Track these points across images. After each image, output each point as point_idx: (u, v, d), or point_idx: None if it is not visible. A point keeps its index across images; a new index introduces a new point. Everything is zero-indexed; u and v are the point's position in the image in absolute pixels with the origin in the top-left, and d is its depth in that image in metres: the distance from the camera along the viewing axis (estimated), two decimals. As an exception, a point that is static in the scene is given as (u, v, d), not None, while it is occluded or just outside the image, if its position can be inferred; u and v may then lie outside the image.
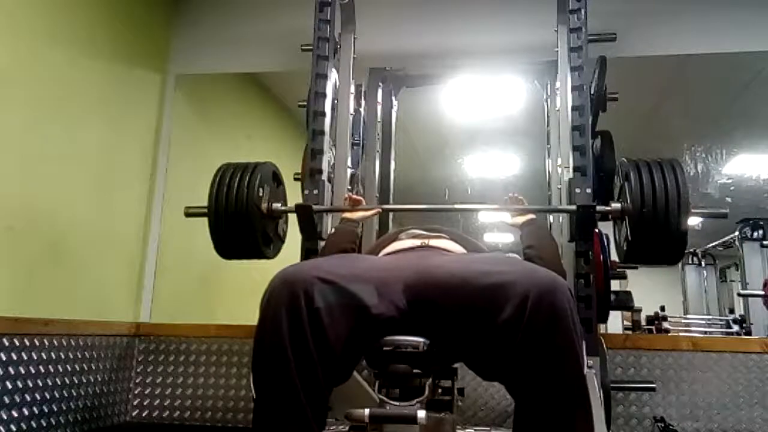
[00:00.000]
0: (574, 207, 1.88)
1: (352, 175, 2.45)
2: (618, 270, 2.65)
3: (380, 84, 2.81)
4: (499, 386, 2.41)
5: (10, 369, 2.02)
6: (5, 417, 1.99)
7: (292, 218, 1.99)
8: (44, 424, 2.16)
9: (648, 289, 5.17)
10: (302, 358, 1.16)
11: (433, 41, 2.88)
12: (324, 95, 2.18)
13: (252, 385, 1.21)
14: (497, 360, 1.21)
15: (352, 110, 2.45)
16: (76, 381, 2.34)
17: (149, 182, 2.91)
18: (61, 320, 2.27)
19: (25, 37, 2.17)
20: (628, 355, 2.46)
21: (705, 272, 6.12)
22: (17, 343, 2.05)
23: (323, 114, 2.17)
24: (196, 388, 2.67)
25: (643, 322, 4.92)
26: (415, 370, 1.22)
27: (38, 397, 2.14)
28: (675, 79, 3.42)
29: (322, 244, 1.99)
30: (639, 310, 4.70)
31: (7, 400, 2.00)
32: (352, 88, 2.46)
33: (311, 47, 2.22)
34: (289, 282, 1.21)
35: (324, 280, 1.21)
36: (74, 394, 2.33)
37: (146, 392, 2.69)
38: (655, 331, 4.93)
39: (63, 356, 2.27)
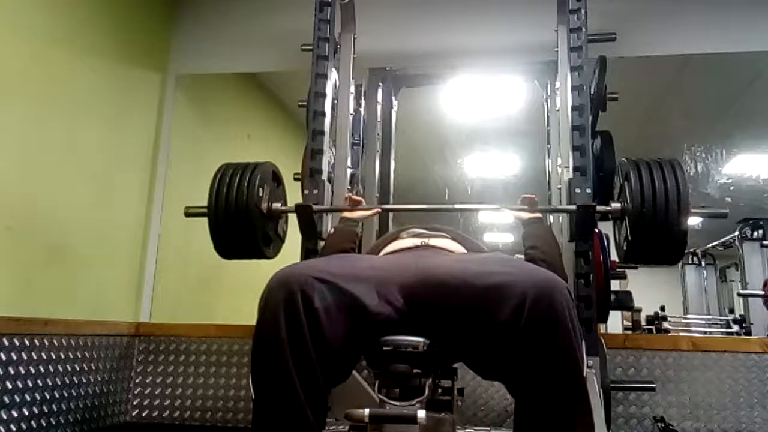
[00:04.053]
0: (574, 207, 1.88)
1: (352, 175, 2.45)
2: (618, 270, 2.65)
3: (380, 84, 2.82)
4: (499, 386, 2.43)
5: (10, 369, 2.02)
6: (5, 417, 1.99)
7: (292, 218, 1.99)
8: (44, 424, 2.16)
9: (648, 289, 5.16)
10: (300, 357, 1.16)
11: (433, 41, 2.88)
12: (324, 95, 2.18)
13: (251, 385, 1.21)
14: (496, 360, 1.21)
15: (352, 110, 2.45)
16: (76, 381, 2.34)
17: (149, 182, 2.91)
18: (61, 320, 2.27)
19: (25, 37, 2.17)
20: (628, 355, 2.46)
21: (705, 272, 6.12)
22: (17, 343, 2.05)
23: (323, 114, 2.17)
24: (196, 388, 2.67)
25: (643, 322, 4.92)
26: (415, 370, 1.22)
27: (38, 397, 2.14)
28: (675, 79, 3.42)
29: (322, 244, 1.99)
30: (639, 310, 4.70)
31: (7, 400, 2.00)
32: (352, 88, 2.45)
33: (311, 47, 2.22)
34: (286, 282, 1.21)
35: (321, 280, 1.21)
36: (74, 394, 2.33)
37: (146, 392, 2.69)
38: (655, 331, 4.93)
39: (63, 356, 2.27)
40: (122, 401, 2.64)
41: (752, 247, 4.79)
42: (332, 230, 1.93)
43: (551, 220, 2.43)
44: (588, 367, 1.22)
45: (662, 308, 5.23)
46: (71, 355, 2.31)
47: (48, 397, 2.18)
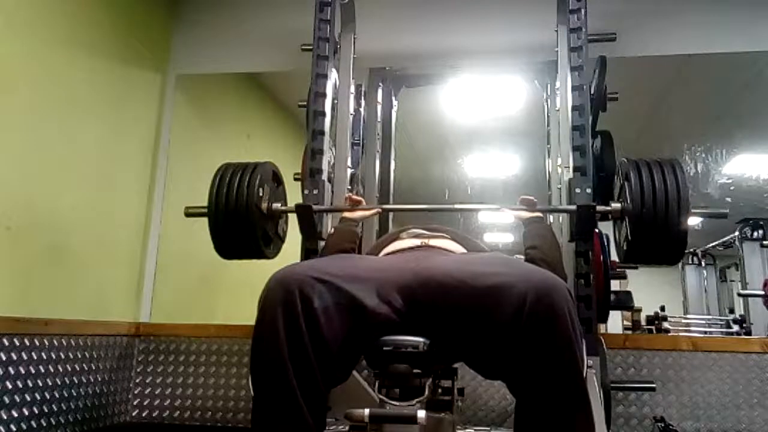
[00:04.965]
0: (574, 207, 1.88)
1: (352, 175, 2.45)
2: (618, 270, 2.65)
3: (380, 84, 2.82)
4: (499, 386, 2.44)
5: (10, 369, 2.02)
6: (5, 417, 1.99)
7: (292, 218, 1.99)
8: (44, 424, 2.16)
9: (648, 289, 5.16)
10: (299, 358, 1.16)
11: (433, 41, 2.88)
12: (324, 95, 2.18)
13: (251, 385, 1.21)
14: (497, 360, 1.21)
15: (352, 110, 2.45)
16: (76, 381, 2.34)
17: (149, 182, 2.91)
18: (61, 320, 2.27)
19: (25, 38, 2.17)
20: (628, 355, 2.46)
21: (705, 272, 6.11)
22: (17, 343, 2.05)
23: (323, 114, 2.17)
24: (196, 388, 2.67)
25: (643, 322, 4.91)
26: (415, 370, 1.22)
27: (38, 397, 2.14)
28: (675, 79, 3.42)
29: (322, 244, 1.99)
30: (639, 310, 4.70)
31: (7, 400, 2.00)
32: (352, 88, 2.46)
33: (311, 47, 2.22)
34: (285, 282, 1.21)
35: (320, 281, 1.21)
36: (74, 394, 2.33)
37: (146, 392, 2.69)
38: (655, 331, 4.92)
39: (63, 356, 2.27)
40: (122, 401, 2.64)
41: (752, 247, 4.78)
42: (332, 230, 1.93)
43: (551, 220, 2.43)
44: (588, 367, 1.21)
45: (662, 308, 5.22)
46: (71, 355, 2.31)
47: (48, 397, 2.18)
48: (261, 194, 1.86)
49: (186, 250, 3.01)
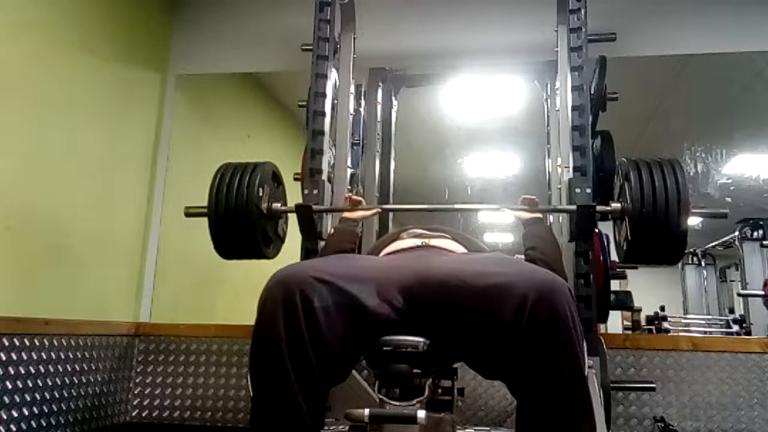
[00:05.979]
0: (574, 207, 1.88)
1: (352, 175, 2.45)
2: (618, 270, 2.65)
3: (380, 84, 2.82)
4: (499, 386, 2.44)
5: (10, 369, 2.02)
6: (5, 417, 1.99)
7: (292, 218, 1.99)
8: (44, 424, 2.16)
9: (648, 289, 5.16)
10: (298, 357, 1.17)
11: (433, 41, 2.88)
12: (324, 95, 2.18)
13: (249, 384, 1.21)
14: (497, 361, 1.21)
15: (352, 110, 2.45)
16: (76, 381, 2.34)
17: (149, 182, 2.91)
18: (61, 320, 2.27)
19: (25, 38, 2.16)
20: (628, 355, 2.46)
21: (705, 272, 6.12)
22: (17, 343, 2.05)
23: (323, 114, 2.17)
24: (196, 388, 2.67)
25: (643, 322, 4.92)
26: (415, 370, 1.22)
27: (38, 397, 2.14)
28: (675, 78, 3.42)
29: (322, 244, 1.99)
30: (639, 310, 4.70)
31: (7, 400, 2.00)
32: (352, 88, 2.46)
33: (311, 47, 2.22)
34: (285, 282, 1.21)
35: (320, 280, 1.21)
36: (74, 394, 2.33)
37: (146, 392, 2.69)
38: (655, 331, 4.92)
39: (63, 356, 2.27)
40: (122, 401, 2.64)
41: (752, 247, 4.78)
42: (332, 230, 1.93)
43: (551, 220, 2.42)
44: (588, 367, 1.21)
45: (662, 308, 5.23)
46: (71, 355, 2.31)
47: (48, 397, 2.18)
48: (261, 194, 1.86)
49: (186, 250, 3.01)
